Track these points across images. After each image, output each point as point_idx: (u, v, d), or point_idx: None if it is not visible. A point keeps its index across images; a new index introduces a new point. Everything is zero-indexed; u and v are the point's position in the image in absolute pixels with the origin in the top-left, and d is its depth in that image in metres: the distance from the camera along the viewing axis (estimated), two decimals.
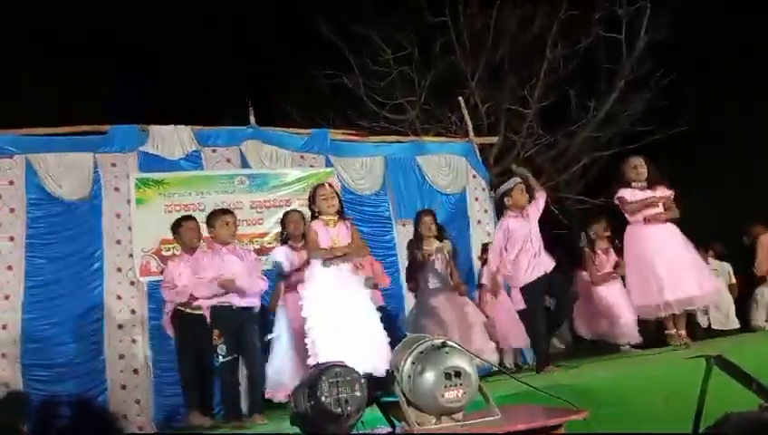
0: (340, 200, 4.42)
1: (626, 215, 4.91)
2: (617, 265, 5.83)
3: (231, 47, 13.84)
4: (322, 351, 3.88)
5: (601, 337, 5.96)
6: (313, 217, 4.39)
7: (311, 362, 3.96)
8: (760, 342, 4.80)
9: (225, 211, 4.82)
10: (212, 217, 4.70)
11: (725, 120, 11.48)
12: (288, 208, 5.88)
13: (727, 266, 6.94)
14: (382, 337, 4.11)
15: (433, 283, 5.27)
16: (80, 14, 12.49)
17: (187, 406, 4.85)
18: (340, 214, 4.37)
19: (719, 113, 11.37)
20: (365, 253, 4.68)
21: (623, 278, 5.51)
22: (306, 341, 4.11)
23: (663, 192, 4.87)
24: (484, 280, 6.31)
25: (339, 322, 4.00)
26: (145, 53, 13.35)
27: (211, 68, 13.37)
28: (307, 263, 4.45)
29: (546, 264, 4.81)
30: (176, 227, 5.12)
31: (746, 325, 6.43)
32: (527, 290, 4.80)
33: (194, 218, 5.13)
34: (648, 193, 4.84)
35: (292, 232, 5.10)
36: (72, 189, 6.29)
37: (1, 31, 11.14)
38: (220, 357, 4.33)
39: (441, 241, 5.25)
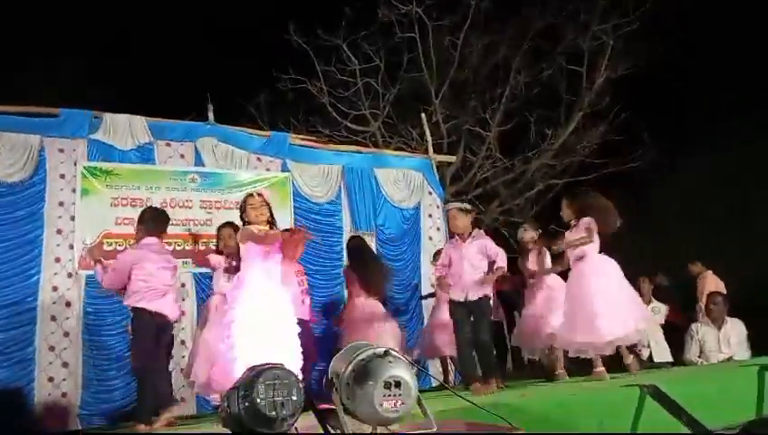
0: (270, 210, 4.39)
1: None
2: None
3: (198, 44, 13.65)
4: (242, 353, 3.86)
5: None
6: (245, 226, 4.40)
7: (234, 364, 3.93)
8: (693, 376, 4.94)
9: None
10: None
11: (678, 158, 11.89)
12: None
13: (665, 308, 7.29)
14: (298, 348, 4.12)
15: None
16: None
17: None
18: (270, 224, 4.36)
19: (677, 150, 11.77)
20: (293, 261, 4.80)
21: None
22: (227, 342, 4.05)
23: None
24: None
25: (263, 328, 3.99)
26: (111, 44, 13.12)
27: (175, 64, 13.16)
28: (236, 269, 4.45)
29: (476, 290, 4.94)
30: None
31: (677, 359, 6.64)
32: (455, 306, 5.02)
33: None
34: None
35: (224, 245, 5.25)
36: (14, 170, 6.02)
37: None
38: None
39: None
